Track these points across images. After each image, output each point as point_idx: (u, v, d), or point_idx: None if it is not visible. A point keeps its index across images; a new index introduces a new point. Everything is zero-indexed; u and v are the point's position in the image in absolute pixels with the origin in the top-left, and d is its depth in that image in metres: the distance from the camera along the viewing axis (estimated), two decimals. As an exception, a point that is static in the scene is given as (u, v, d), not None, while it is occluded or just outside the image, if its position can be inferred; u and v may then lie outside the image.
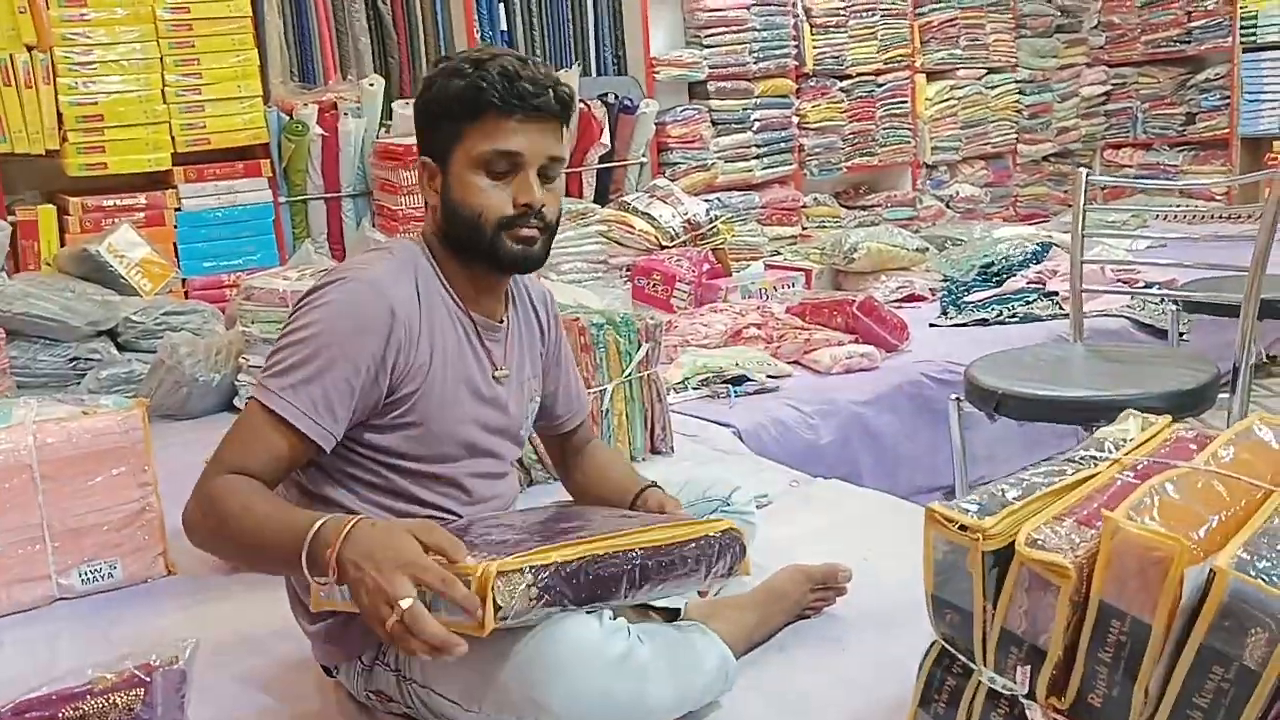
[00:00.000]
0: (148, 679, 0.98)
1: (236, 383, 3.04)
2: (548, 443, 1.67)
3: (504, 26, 4.46)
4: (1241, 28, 5.84)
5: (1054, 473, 1.16)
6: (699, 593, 1.42)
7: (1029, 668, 1.04)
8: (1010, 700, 1.08)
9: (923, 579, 1.13)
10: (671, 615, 1.46)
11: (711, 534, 1.30)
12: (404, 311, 1.30)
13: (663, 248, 4.15)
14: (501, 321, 1.45)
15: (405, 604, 1.03)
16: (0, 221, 3.23)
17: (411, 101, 4.09)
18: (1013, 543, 1.04)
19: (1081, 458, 1.20)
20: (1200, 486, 1.08)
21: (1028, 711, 1.05)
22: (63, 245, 3.51)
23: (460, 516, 1.39)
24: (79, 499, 1.87)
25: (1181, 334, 3.28)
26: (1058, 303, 3.67)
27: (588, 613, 1.19)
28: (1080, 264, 2.44)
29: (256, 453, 1.25)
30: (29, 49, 3.38)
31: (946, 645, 1.15)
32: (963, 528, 1.07)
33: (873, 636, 1.55)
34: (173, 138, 3.62)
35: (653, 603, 1.45)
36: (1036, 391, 2.03)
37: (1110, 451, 1.21)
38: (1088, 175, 2.46)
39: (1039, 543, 1.02)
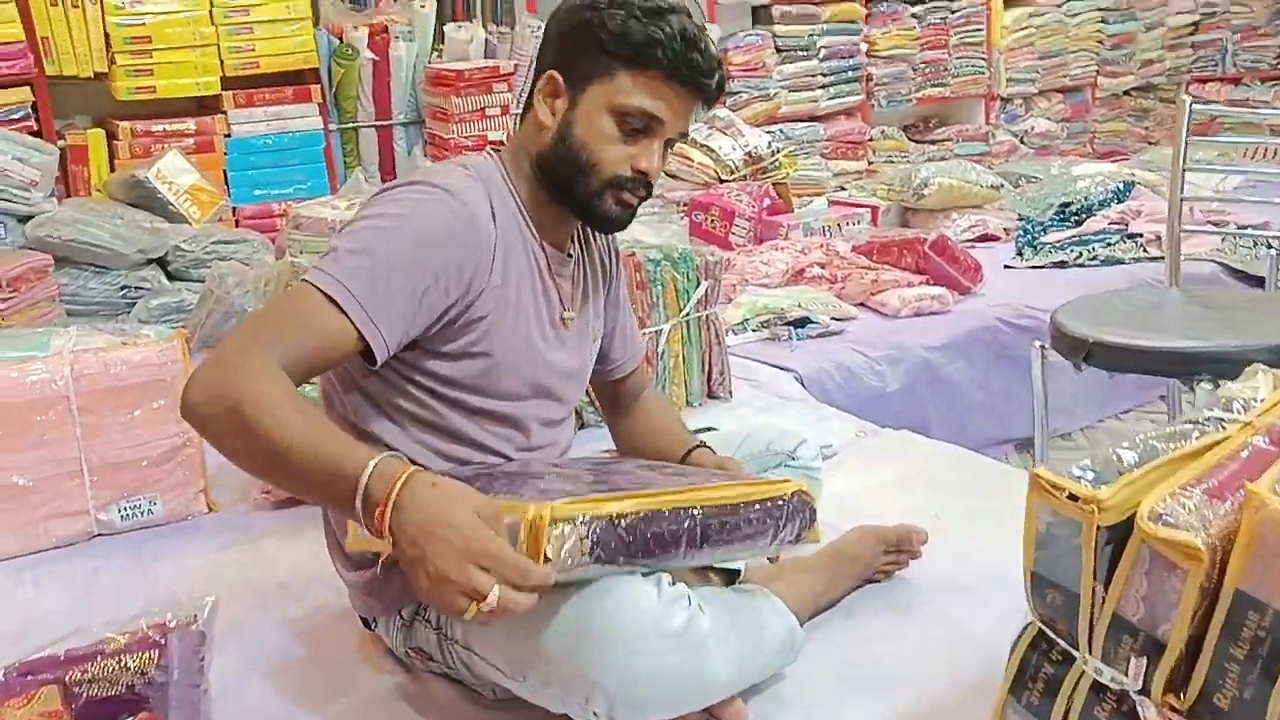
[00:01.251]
0: (163, 640, 0.90)
1: (285, 314, 2.97)
2: (599, 390, 1.55)
3: (560, -53, 4.27)
4: (1350, -50, 5.43)
5: (1176, 435, 1.02)
6: (768, 558, 1.31)
7: (1144, 660, 0.91)
8: (1119, 695, 0.95)
9: (1022, 551, 1.01)
10: (731, 577, 1.36)
11: (780, 496, 1.18)
12: (483, 228, 1.20)
13: (721, 181, 3.99)
14: (570, 255, 1.35)
15: (493, 599, 0.91)
16: (48, 145, 3.17)
17: (464, 24, 3.99)
18: (1131, 517, 0.91)
19: (1206, 419, 1.05)
20: (1352, 457, 0.94)
21: (1140, 709, 0.93)
22: (112, 171, 3.46)
23: (512, 460, 1.29)
24: (118, 433, 1.81)
25: (1278, 280, 3.06)
26: (1142, 245, 3.45)
27: (645, 574, 1.09)
28: (1180, 202, 2.25)
29: (298, 336, 1.06)
30: (75, -33, 3.29)
31: (1045, 628, 1.03)
32: (1073, 497, 0.94)
33: (947, 605, 1.43)
34: (221, 61, 3.54)
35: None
36: (1130, 341, 1.86)
37: (1238, 412, 1.07)
38: (1190, 103, 2.25)
39: (1165, 518, 0.89)
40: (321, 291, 1.08)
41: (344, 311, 1.08)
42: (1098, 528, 0.92)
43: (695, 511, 1.08)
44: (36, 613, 1.57)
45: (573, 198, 1.26)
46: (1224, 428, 1.04)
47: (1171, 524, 0.88)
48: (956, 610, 1.41)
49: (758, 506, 1.15)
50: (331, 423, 1.03)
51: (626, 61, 1.20)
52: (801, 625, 1.30)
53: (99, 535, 1.81)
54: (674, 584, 1.10)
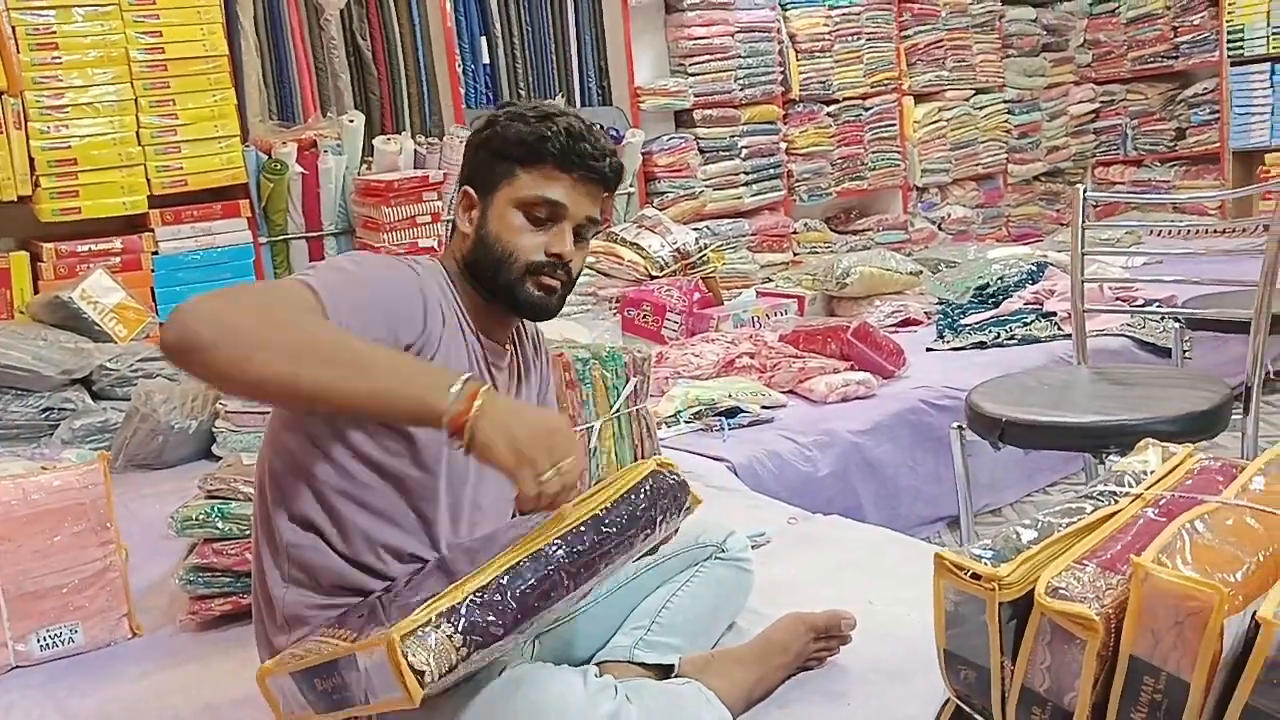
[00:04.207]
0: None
1: (214, 429, 2.94)
2: None
3: (486, 60, 4.40)
4: (1229, 42, 5.82)
5: (1072, 511, 1.06)
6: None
7: (1054, 730, 0.94)
8: (1035, 766, 0.98)
9: (934, 631, 1.03)
10: (665, 672, 1.36)
11: (638, 487, 1.14)
12: (432, 301, 1.27)
13: (652, 278, 4.08)
14: (506, 350, 1.41)
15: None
16: (-32, 270, 3.14)
17: (393, 137, 4.07)
18: (1031, 592, 0.95)
19: (1100, 493, 1.10)
20: (1232, 523, 0.99)
21: (1055, 779, 0.95)
22: (36, 293, 3.43)
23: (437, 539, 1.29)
24: (37, 560, 1.77)
25: (1183, 352, 3.19)
26: (1057, 323, 3.59)
27: (576, 664, 1.09)
28: (1081, 283, 2.36)
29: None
30: (-1, 94, 3.32)
31: (962, 704, 1.05)
32: (975, 576, 0.97)
33: (880, 689, 1.44)
34: (148, 180, 3.55)
35: (646, 661, 1.36)
36: (1041, 418, 1.94)
37: (1130, 485, 1.12)
38: (1085, 191, 2.38)
39: (1061, 591, 0.93)
40: (304, 284, 1.14)
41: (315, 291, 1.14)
42: (1000, 604, 0.95)
43: (556, 546, 1.04)
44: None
45: (498, 289, 1.33)
46: (1116, 501, 1.09)
47: (1067, 596, 0.92)
48: (888, 695, 1.43)
49: (619, 509, 1.11)
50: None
51: (522, 161, 1.32)
52: (735, 718, 1.30)
53: (16, 667, 1.75)
54: (600, 675, 1.10)
